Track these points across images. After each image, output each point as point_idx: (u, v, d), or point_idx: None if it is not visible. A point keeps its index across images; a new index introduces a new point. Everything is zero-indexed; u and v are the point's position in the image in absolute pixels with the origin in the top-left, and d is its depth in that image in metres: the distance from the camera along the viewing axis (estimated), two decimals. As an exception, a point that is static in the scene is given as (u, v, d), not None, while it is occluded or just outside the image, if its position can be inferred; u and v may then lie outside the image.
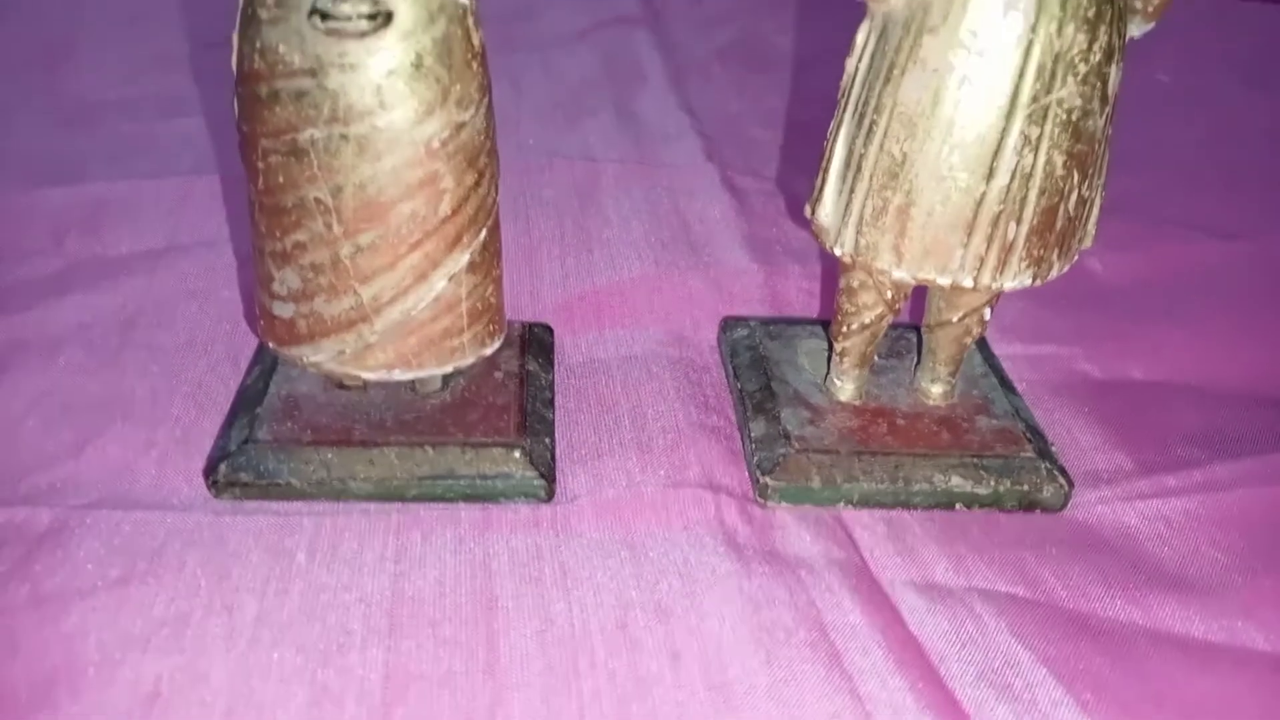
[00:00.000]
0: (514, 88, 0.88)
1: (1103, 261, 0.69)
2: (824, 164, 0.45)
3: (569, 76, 0.91)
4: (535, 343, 0.55)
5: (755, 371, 0.54)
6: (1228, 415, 0.56)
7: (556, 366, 0.55)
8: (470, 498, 0.47)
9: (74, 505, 0.44)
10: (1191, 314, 0.64)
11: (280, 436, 0.47)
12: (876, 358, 0.53)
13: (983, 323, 0.49)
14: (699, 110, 0.86)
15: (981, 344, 0.57)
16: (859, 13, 0.52)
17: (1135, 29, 0.43)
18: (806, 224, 0.47)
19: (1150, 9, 0.42)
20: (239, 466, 0.46)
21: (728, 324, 0.58)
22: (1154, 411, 0.56)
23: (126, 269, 0.59)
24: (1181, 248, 0.70)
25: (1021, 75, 0.38)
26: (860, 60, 0.42)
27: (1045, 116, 0.39)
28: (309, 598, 0.41)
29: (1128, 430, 0.54)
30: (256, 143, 0.40)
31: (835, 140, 0.44)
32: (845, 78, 0.43)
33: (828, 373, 0.52)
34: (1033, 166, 0.40)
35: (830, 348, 0.52)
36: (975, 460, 0.49)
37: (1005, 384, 0.55)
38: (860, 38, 0.42)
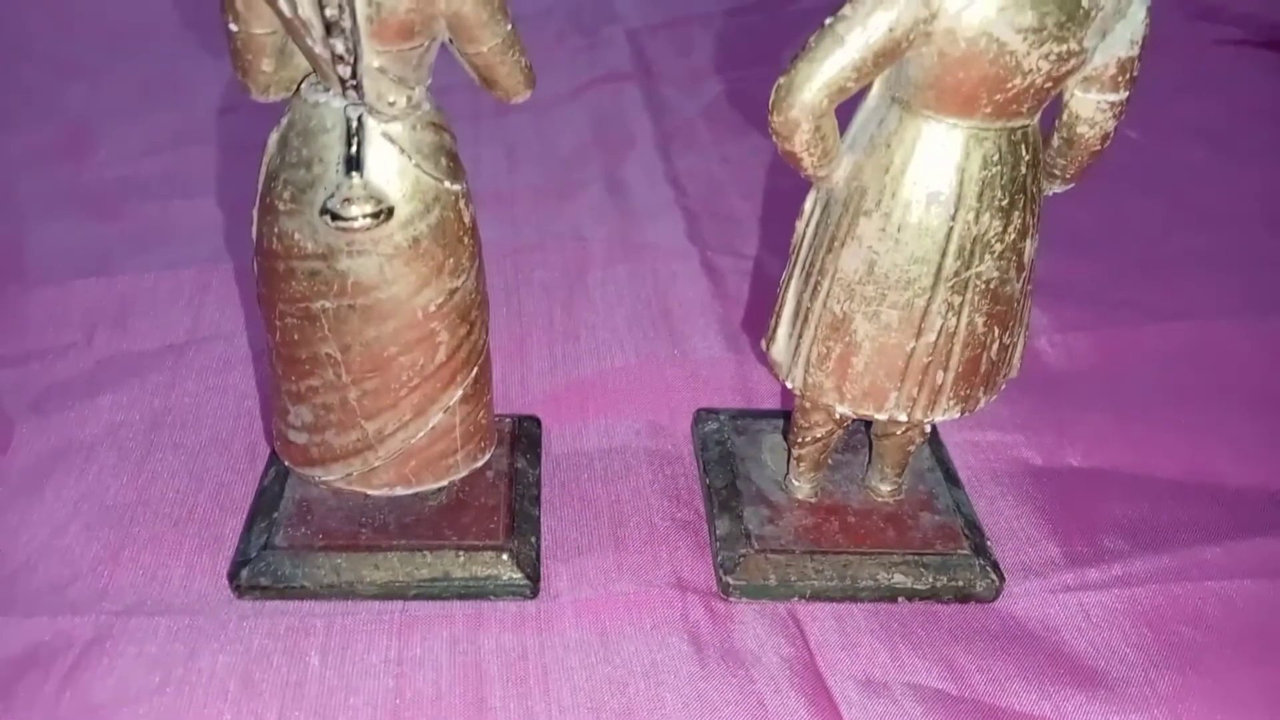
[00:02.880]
0: (509, 157, 0.93)
1: (1051, 343, 0.74)
2: (776, 309, 0.50)
3: (561, 143, 0.96)
4: (524, 437, 0.61)
5: (722, 468, 0.60)
6: (1154, 506, 0.61)
7: (544, 458, 0.61)
8: (464, 596, 0.53)
9: (114, 611, 0.50)
10: (1131, 400, 0.69)
11: (295, 542, 0.53)
12: (831, 456, 0.58)
13: (923, 434, 0.55)
14: (684, 179, 0.91)
15: (932, 434, 0.63)
16: None
17: (1058, 188, 0.49)
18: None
19: (1069, 175, 0.47)
20: (259, 571, 0.52)
21: (700, 416, 0.64)
22: (1086, 501, 0.61)
23: (152, 365, 0.65)
24: (1129, 331, 0.75)
25: (944, 255, 0.44)
26: (808, 225, 0.48)
27: (966, 287, 0.45)
28: (322, 700, 0.47)
29: (1060, 520, 0.60)
30: (274, 305, 0.46)
31: (787, 290, 0.50)
32: (795, 237, 0.49)
33: (787, 471, 0.58)
34: (956, 326, 0.46)
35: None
36: (916, 557, 0.55)
37: (950, 477, 0.60)
38: (808, 205, 0.48)
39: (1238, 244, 0.89)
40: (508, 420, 0.61)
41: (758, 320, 0.73)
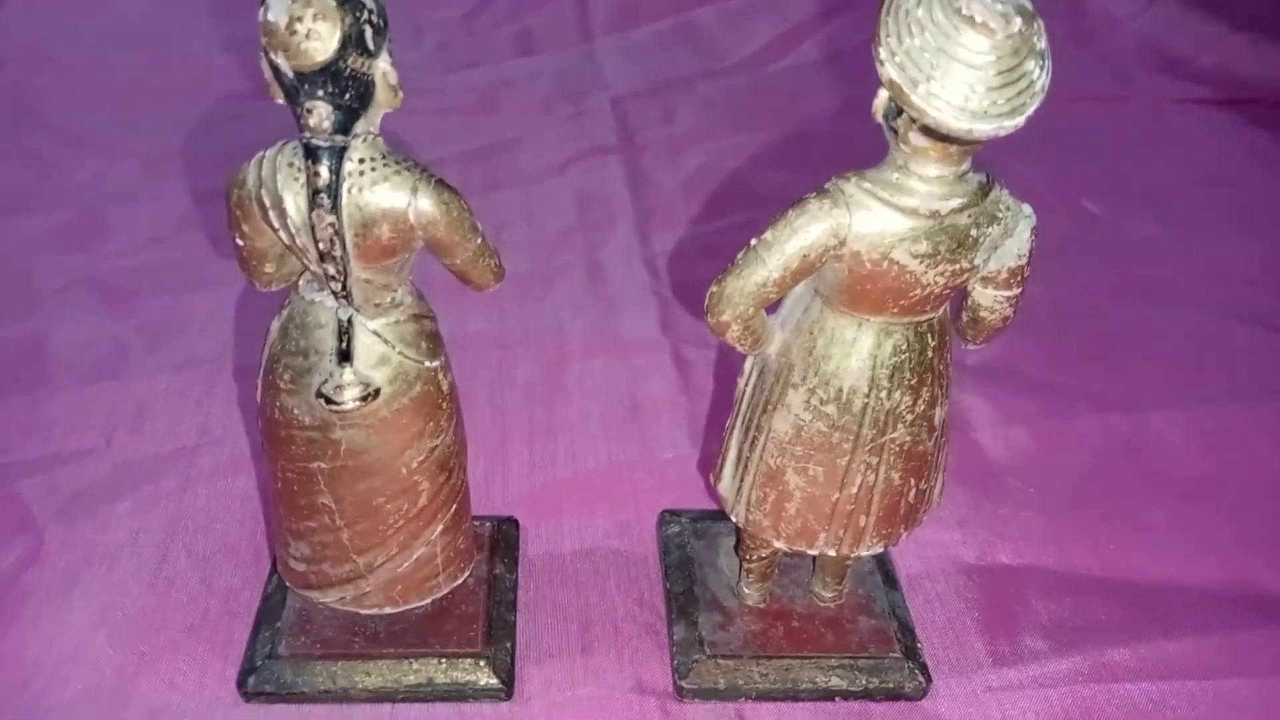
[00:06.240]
0: (497, 238, 0.98)
1: (993, 436, 0.80)
2: (723, 451, 0.57)
3: (547, 224, 1.02)
4: (503, 542, 0.67)
5: (682, 573, 0.66)
6: (1075, 604, 0.67)
7: (520, 559, 0.67)
8: (446, 699, 0.59)
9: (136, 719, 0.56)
10: (1063, 496, 0.75)
11: (295, 651, 0.59)
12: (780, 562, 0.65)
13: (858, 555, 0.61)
14: (659, 261, 0.97)
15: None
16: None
17: (971, 348, 0.55)
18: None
19: (978, 342, 0.54)
20: (264, 679, 0.58)
21: (664, 519, 0.70)
22: (1013, 600, 0.67)
23: (166, 469, 0.71)
24: (1067, 423, 0.81)
25: (861, 425, 0.50)
26: (747, 384, 0.54)
27: (882, 449, 0.51)
28: (321, 804, 0.53)
29: (988, 620, 0.66)
30: (277, 461, 0.52)
31: (731, 438, 0.56)
32: (737, 392, 0.55)
33: (739, 578, 0.64)
34: (875, 481, 0.52)
35: (742, 556, 0.64)
36: (852, 661, 0.61)
37: (889, 579, 0.67)
38: (747, 366, 0.54)
39: (1181, 325, 0.94)
40: (488, 524, 0.68)
41: (719, 416, 0.80)
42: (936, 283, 0.46)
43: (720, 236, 1.02)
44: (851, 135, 1.19)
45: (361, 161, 0.43)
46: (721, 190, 1.10)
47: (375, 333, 0.48)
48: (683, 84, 1.30)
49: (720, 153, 1.16)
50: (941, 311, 0.50)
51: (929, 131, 0.41)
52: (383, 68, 0.42)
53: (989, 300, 0.50)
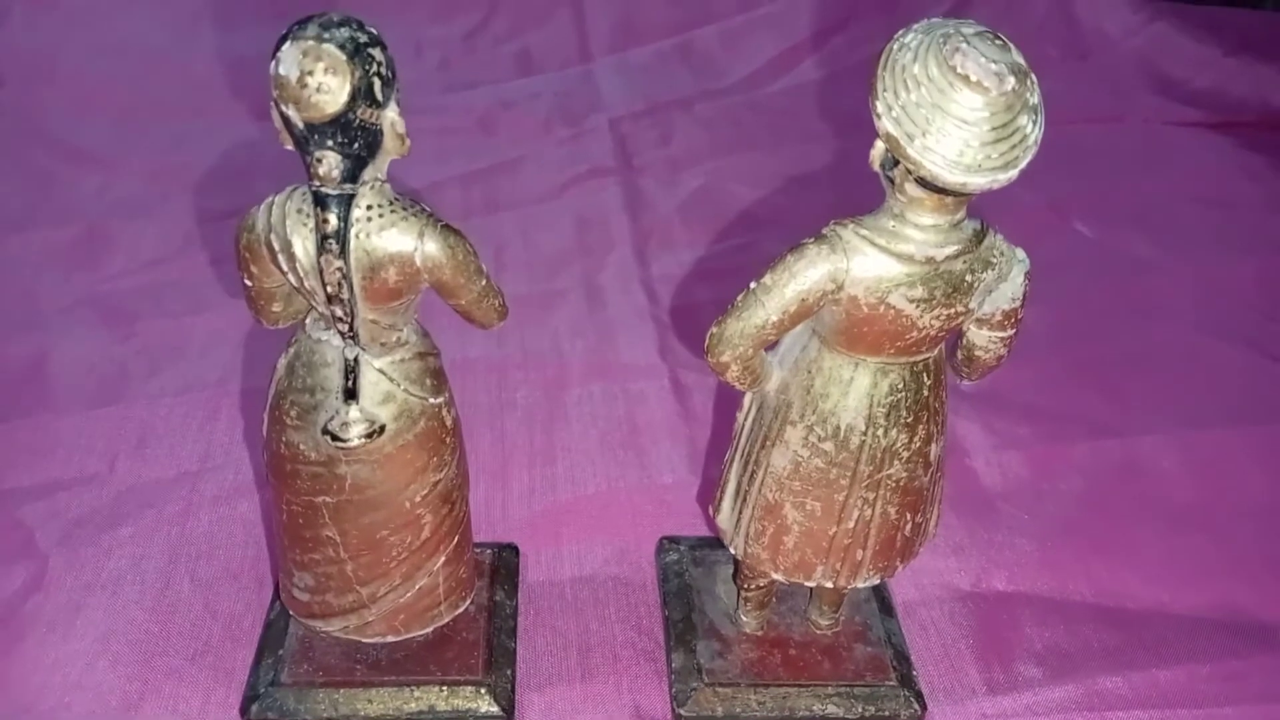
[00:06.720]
0: (497, 260, 1.00)
1: (988, 462, 0.81)
2: (721, 483, 0.58)
3: (545, 246, 1.03)
4: (503, 569, 0.68)
5: (680, 600, 0.67)
6: (1068, 631, 0.68)
7: (520, 585, 0.68)
8: (446, 726, 0.60)
9: (138, 748, 0.57)
10: (1057, 521, 0.76)
11: (298, 679, 0.60)
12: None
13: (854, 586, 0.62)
14: (657, 284, 0.98)
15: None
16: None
17: (966, 383, 0.56)
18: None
19: (973, 378, 0.55)
20: (267, 707, 0.59)
21: (663, 545, 0.71)
22: (1007, 627, 0.68)
23: (168, 494, 0.72)
24: (1061, 448, 0.82)
25: (858, 462, 0.51)
26: (746, 418, 0.55)
27: (879, 485, 0.52)
28: (323, 832, 0.54)
29: (983, 647, 0.67)
30: (283, 494, 0.53)
31: (730, 470, 0.57)
32: (736, 426, 0.56)
33: (737, 605, 0.65)
34: (872, 515, 0.53)
35: (741, 583, 0.65)
36: (848, 689, 0.62)
37: (884, 607, 0.67)
38: (747, 401, 0.55)
39: (1175, 346, 0.95)
40: (488, 551, 0.68)
41: (718, 440, 0.80)
42: (932, 326, 0.47)
43: (719, 259, 1.03)
44: (850, 155, 1.21)
45: (369, 208, 0.44)
46: (720, 212, 1.11)
47: (381, 371, 0.49)
48: (681, 105, 1.31)
49: (718, 174, 1.17)
50: (937, 351, 0.51)
51: (925, 183, 0.42)
52: (391, 117, 0.43)
53: (984, 340, 0.51)
